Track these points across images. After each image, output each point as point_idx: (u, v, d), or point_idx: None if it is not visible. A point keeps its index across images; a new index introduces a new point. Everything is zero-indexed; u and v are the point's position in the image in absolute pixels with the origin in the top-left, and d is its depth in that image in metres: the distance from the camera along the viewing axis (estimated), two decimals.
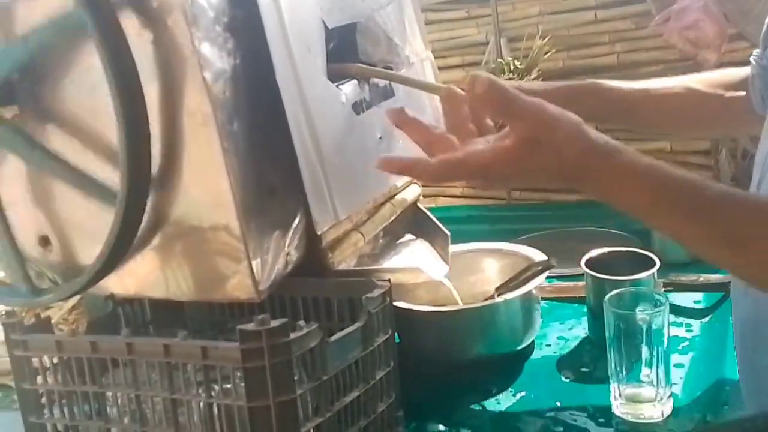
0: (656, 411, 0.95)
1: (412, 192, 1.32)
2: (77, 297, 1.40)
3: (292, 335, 0.78)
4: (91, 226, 1.01)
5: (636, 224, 1.72)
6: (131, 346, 0.84)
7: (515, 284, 1.15)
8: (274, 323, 0.76)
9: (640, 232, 1.65)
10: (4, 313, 0.93)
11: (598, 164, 0.73)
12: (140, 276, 1.01)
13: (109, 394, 0.89)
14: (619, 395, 0.97)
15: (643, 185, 0.72)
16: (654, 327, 0.94)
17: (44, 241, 1.05)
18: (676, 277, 1.32)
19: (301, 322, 0.81)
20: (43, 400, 0.93)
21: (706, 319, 1.22)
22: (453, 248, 1.31)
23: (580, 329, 1.24)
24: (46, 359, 0.92)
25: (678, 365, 1.07)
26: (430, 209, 2.13)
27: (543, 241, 1.80)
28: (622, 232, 1.71)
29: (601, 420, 0.97)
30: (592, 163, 0.73)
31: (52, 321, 1.36)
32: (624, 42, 1.90)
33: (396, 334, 1.15)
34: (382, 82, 1.16)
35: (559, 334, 1.23)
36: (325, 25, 1.07)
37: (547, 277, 1.25)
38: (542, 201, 2.07)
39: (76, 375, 0.89)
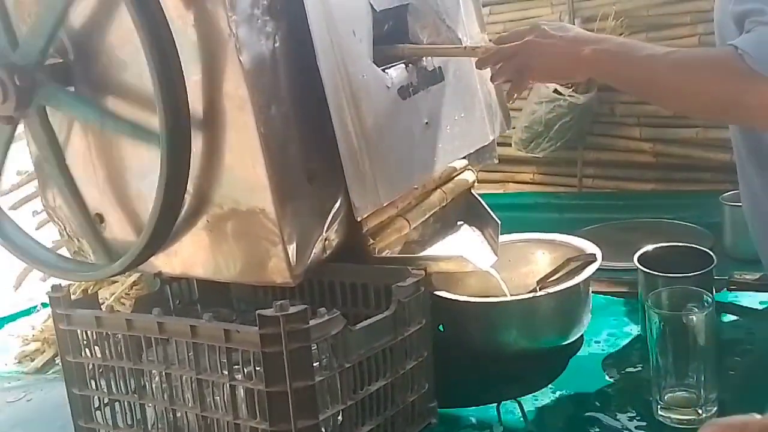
0: (698, 416, 0.90)
1: (465, 179, 1.30)
2: (138, 273, 1.45)
3: (312, 322, 0.78)
4: (140, 206, 1.04)
5: (710, 217, 1.67)
6: (162, 325, 0.86)
7: (558, 277, 1.11)
8: (293, 309, 0.77)
9: (712, 225, 1.57)
10: (51, 287, 0.96)
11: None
12: (185, 256, 1.03)
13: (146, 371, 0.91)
14: (660, 398, 0.92)
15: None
16: (699, 328, 0.89)
17: (100, 218, 1.09)
18: (741, 276, 1.24)
19: (322, 309, 0.80)
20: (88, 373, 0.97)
21: None
22: (506, 238, 1.28)
23: (633, 327, 1.19)
24: (91, 334, 0.95)
25: (731, 369, 1.01)
26: (499, 195, 2.09)
27: (611, 231, 1.74)
28: (694, 225, 1.64)
29: (640, 423, 0.93)
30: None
31: (114, 295, 1.42)
32: (708, 23, 1.78)
33: (441, 324, 1.14)
34: (431, 66, 1.14)
35: (611, 331, 1.19)
36: (372, 8, 1.06)
37: (604, 270, 1.20)
38: (615, 189, 1.99)
39: (113, 351, 0.92)
